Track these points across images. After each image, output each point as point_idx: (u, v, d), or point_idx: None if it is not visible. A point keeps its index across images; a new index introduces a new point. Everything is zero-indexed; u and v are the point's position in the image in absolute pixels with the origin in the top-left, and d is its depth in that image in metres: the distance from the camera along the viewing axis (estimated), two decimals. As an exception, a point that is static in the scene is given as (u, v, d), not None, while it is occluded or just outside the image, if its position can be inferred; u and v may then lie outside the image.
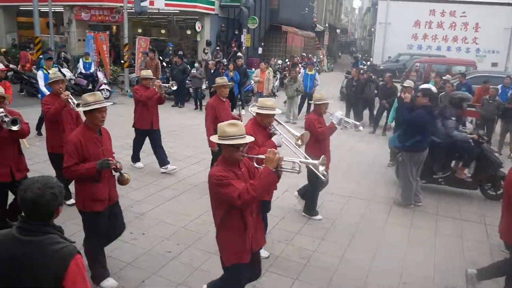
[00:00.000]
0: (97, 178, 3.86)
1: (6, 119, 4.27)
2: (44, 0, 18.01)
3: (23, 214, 2.14)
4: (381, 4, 30.23)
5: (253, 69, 17.80)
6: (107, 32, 18.63)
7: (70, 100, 5.53)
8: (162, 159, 7.49)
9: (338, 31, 51.98)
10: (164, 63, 17.82)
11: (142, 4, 15.65)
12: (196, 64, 15.26)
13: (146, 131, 7.40)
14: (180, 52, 16.94)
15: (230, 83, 12.95)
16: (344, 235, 5.48)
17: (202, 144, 9.41)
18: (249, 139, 3.20)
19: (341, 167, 8.43)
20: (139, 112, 7.36)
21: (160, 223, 5.53)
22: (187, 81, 14.39)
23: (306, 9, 33.37)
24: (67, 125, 5.63)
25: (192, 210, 5.94)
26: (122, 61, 17.29)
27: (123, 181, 4.09)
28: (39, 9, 17.08)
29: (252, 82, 14.19)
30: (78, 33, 20.34)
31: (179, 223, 5.51)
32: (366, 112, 12.74)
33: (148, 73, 7.51)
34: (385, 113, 11.44)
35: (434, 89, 9.69)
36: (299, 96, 12.99)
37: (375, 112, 12.25)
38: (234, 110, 12.84)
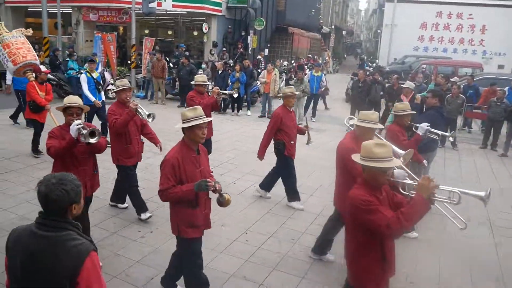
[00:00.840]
0: (195, 203, 3.57)
1: (83, 131, 3.98)
2: (53, 1, 18.15)
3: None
4: (388, 6, 30.18)
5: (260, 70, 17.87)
6: (115, 33, 18.76)
7: (140, 110, 5.23)
8: None
9: (344, 32, 51.95)
10: (170, 64, 17.91)
11: (150, 5, 15.75)
12: (203, 65, 15.34)
13: None
14: (187, 53, 17.03)
15: (237, 84, 13.12)
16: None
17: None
18: (396, 162, 2.91)
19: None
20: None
21: (167, 221, 5.54)
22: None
23: (313, 10, 33.43)
24: (133, 136, 5.40)
25: (200, 209, 5.98)
26: (129, 62, 17.40)
27: (223, 203, 3.55)
28: (48, 10, 17.24)
29: (259, 83, 14.24)
30: (86, 33, 20.49)
31: (187, 221, 5.55)
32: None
33: (203, 78, 7.03)
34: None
35: (412, 85, 9.82)
36: (305, 98, 13.02)
37: (380, 114, 12.26)
38: (302, 121, 12.91)
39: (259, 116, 13.16)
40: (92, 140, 4.01)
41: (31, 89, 7.80)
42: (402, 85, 10.74)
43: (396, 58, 27.71)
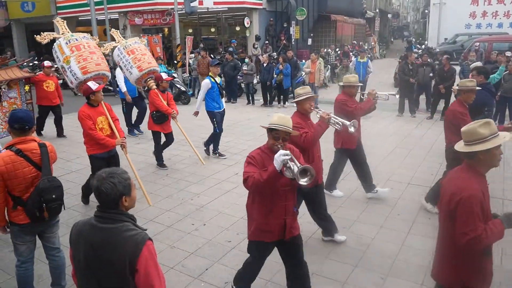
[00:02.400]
0: (490, 250, 2.81)
1: (292, 166, 3.03)
2: (100, 9, 18.94)
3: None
4: (435, -17, 28.87)
5: (304, 60, 17.72)
6: (160, 34, 19.27)
7: (334, 119, 4.71)
8: (368, 182, 6.18)
9: (389, 15, 50.26)
10: (215, 59, 18.17)
11: (192, 4, 16.04)
12: (247, 59, 15.43)
13: (350, 151, 6.05)
14: (231, 49, 17.19)
15: (280, 76, 13.09)
16: (404, 222, 5.38)
17: (255, 137, 9.57)
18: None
19: (399, 153, 8.27)
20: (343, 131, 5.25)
21: (219, 214, 5.71)
22: (238, 77, 14.62)
23: (355, -5, 32.61)
24: (316, 153, 4.59)
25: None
26: (175, 62, 17.83)
27: None
28: (96, 18, 18.03)
29: (303, 73, 14.14)
30: (133, 37, 21.20)
31: (237, 213, 5.66)
32: (422, 97, 12.35)
33: (355, 79, 5.91)
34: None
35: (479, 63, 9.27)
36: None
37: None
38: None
39: (305, 107, 13.05)
40: (303, 182, 2.99)
41: (155, 97, 7.30)
42: (453, 66, 10.27)
43: (446, 38, 26.48)
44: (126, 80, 9.28)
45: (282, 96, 13.79)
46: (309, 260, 4.48)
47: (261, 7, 21.82)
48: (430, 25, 30.31)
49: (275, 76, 13.30)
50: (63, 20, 6.93)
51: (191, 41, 17.84)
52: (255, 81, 14.81)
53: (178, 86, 14.29)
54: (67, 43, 6.19)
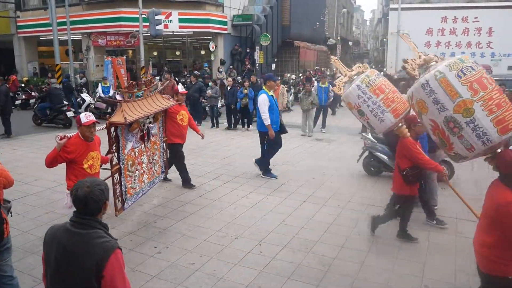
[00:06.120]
0: None
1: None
2: (63, 29, 18.72)
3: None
4: (392, 14, 30.33)
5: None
6: (124, 56, 19.21)
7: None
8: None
9: (350, 43, 52.18)
10: (180, 84, 18.20)
11: (157, 27, 16.16)
12: (210, 83, 15.58)
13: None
14: (196, 72, 17.32)
15: (245, 99, 13.28)
16: (364, 242, 5.54)
17: (219, 161, 9.63)
18: None
19: (359, 176, 8.53)
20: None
21: (182, 236, 5.68)
22: (203, 100, 14.70)
23: (317, 23, 33.74)
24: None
25: (213, 224, 6.08)
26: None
27: None
28: (59, 38, 17.78)
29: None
30: (96, 58, 21.01)
31: (201, 236, 5.65)
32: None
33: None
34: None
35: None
36: (314, 109, 13.13)
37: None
38: (311, 133, 13.10)
39: (269, 130, 13.28)
40: None
41: (414, 149, 5.21)
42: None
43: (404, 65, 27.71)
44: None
45: (246, 120, 13.95)
46: (272, 282, 4.54)
47: (226, 32, 22.20)
48: (389, 53, 31.67)
49: (239, 100, 13.47)
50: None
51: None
52: (219, 104, 14.94)
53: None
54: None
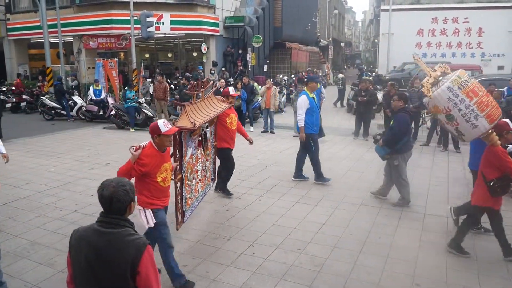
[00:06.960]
0: None
1: None
2: (54, 31, 18.59)
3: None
4: (383, 15, 30.56)
5: (260, 86, 18.09)
6: (116, 59, 19.14)
7: None
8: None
9: (342, 44, 52.45)
10: (172, 86, 18.19)
11: (149, 29, 16.11)
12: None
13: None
14: (188, 74, 17.30)
15: (238, 101, 13.28)
16: (356, 242, 5.56)
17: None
18: None
19: (351, 176, 8.56)
20: None
21: (175, 238, 5.66)
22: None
23: (309, 25, 33.89)
24: None
25: (205, 225, 6.08)
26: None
27: None
28: (49, 41, 17.66)
29: (260, 99, 14.41)
30: (88, 61, 20.89)
31: (194, 238, 5.65)
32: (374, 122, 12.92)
33: None
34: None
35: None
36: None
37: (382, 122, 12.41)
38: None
39: (262, 132, 13.31)
40: None
41: (504, 157, 4.74)
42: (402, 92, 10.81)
43: (395, 66, 27.94)
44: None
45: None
46: (264, 283, 4.55)
47: (218, 33, 22.19)
48: (380, 53, 31.91)
49: (232, 101, 13.44)
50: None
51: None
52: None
53: (145, 111, 14.16)
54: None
